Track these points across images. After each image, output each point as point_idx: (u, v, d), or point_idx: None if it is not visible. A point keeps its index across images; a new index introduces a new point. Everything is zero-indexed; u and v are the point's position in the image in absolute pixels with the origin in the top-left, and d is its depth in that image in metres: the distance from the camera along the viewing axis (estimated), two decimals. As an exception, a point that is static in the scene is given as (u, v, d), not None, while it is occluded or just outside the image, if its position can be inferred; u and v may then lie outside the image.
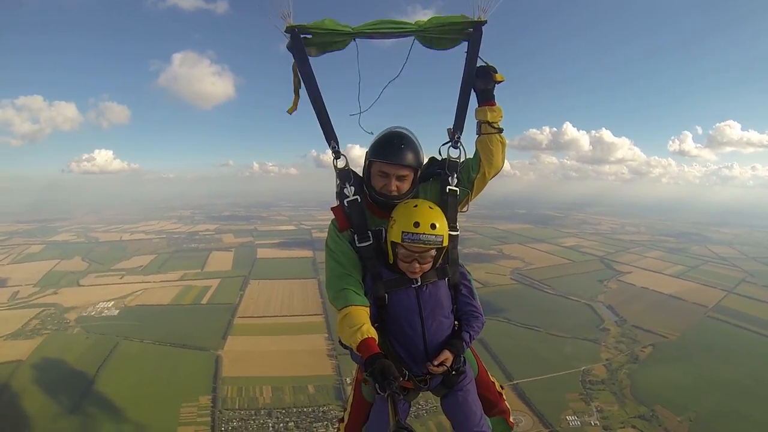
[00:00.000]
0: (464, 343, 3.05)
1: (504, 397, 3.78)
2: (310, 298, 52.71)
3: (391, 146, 3.03)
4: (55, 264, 70.09)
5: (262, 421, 29.60)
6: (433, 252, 2.86)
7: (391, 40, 3.39)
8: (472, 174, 3.33)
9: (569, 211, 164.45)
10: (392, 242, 2.86)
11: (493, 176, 3.41)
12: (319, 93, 3.17)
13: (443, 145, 3.30)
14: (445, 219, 2.91)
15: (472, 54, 3.22)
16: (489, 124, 3.26)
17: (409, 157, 3.02)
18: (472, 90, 3.29)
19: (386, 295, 2.98)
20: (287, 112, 3.36)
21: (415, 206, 2.89)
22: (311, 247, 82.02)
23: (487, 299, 52.74)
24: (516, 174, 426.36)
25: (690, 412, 30.24)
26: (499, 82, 3.27)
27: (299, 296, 53.82)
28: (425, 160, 3.23)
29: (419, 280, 2.95)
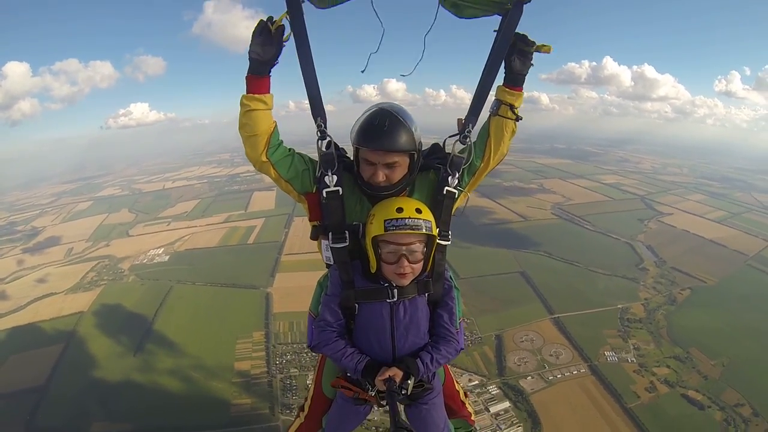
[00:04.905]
0: (421, 363, 2.78)
1: (467, 404, 3.90)
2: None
3: (373, 129, 2.77)
4: (104, 218, 75.69)
5: (314, 354, 31.78)
6: (422, 246, 2.71)
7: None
8: (476, 162, 3.14)
9: (609, 148, 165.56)
10: (374, 239, 2.69)
11: (496, 165, 3.21)
12: (311, 56, 2.86)
13: (450, 137, 3.09)
14: (431, 214, 2.76)
15: (505, 36, 2.90)
16: (512, 108, 3.03)
17: (398, 140, 2.75)
18: (500, 68, 3.02)
19: (356, 305, 2.88)
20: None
21: (397, 199, 2.83)
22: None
23: (528, 233, 55.12)
24: (555, 108, 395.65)
25: (723, 357, 31.08)
26: (546, 53, 3.01)
27: (342, 230, 54.83)
28: (421, 140, 2.98)
29: (396, 295, 2.80)
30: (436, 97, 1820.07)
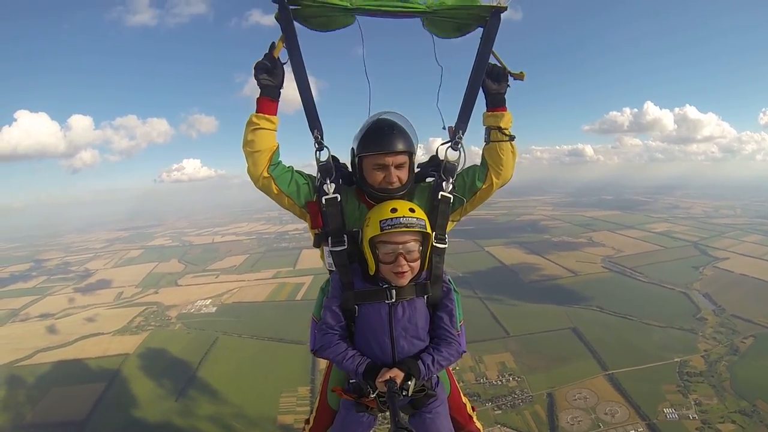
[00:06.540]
0: (422, 364, 2.88)
1: (474, 419, 3.87)
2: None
3: (382, 134, 3.08)
4: (154, 266, 79.49)
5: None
6: (418, 245, 2.88)
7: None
8: (478, 183, 3.33)
9: (658, 195, 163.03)
10: (371, 241, 2.87)
11: (500, 187, 3.40)
12: (305, 73, 3.13)
13: (442, 144, 3.31)
14: (424, 214, 2.97)
15: (486, 44, 3.19)
16: (500, 130, 3.25)
17: (405, 140, 3.08)
18: (485, 70, 3.23)
19: (356, 307, 3.01)
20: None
21: (391, 201, 2.99)
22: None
23: (578, 288, 54.12)
24: (600, 159, 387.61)
25: (794, 409, 28.94)
26: (520, 80, 3.28)
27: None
28: (418, 146, 3.23)
29: (394, 296, 2.93)
30: (476, 154, 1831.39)
